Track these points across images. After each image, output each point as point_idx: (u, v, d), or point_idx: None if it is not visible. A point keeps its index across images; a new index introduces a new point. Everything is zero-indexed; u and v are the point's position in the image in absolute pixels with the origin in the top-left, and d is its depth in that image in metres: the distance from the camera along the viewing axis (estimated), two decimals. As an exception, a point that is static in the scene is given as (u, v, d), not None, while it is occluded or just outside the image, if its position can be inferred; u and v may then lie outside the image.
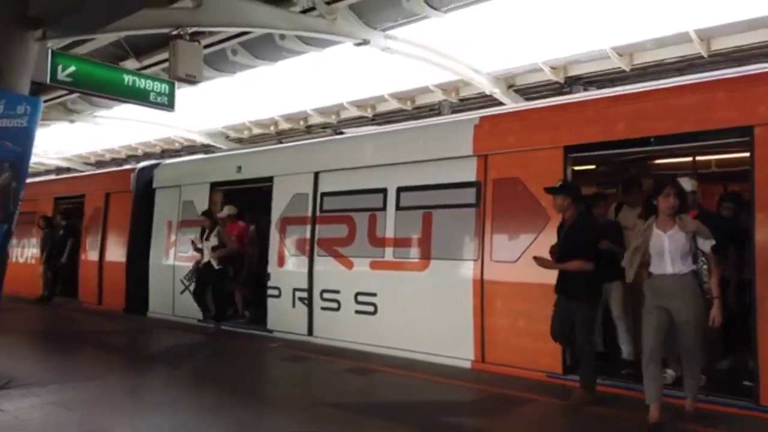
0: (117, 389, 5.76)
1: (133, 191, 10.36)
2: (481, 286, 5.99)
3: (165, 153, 17.97)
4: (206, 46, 8.54)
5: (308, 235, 7.66)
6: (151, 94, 6.64)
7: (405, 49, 9.47)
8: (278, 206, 8.09)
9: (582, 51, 9.38)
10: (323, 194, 7.63)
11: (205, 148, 17.09)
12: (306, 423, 4.47)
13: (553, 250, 5.10)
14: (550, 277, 5.06)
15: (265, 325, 8.09)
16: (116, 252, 10.48)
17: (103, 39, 8.71)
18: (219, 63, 10.21)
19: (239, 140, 16.98)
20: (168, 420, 4.63)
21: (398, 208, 6.85)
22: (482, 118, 6.49)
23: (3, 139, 5.31)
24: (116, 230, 10.57)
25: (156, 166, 10.61)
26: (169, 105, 6.83)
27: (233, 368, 6.53)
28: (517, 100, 10.63)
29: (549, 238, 5.35)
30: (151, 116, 13.14)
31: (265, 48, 9.77)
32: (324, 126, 14.24)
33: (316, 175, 7.69)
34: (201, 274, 8.34)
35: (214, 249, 8.03)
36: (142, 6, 5.41)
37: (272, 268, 8.06)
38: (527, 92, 10.90)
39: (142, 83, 6.53)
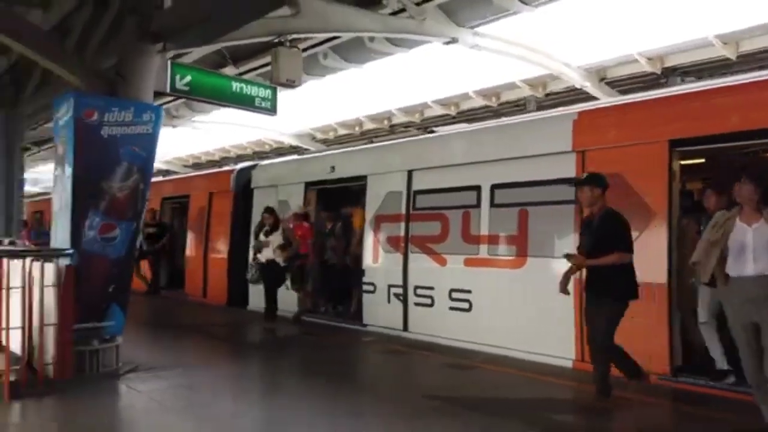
0: (232, 375, 6.20)
1: (233, 191, 11.00)
2: (581, 284, 5.89)
3: (255, 155, 18.84)
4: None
5: (402, 233, 7.84)
6: (256, 99, 7.07)
7: (493, 45, 9.43)
8: (372, 204, 8.34)
9: (681, 40, 8.96)
10: (416, 192, 7.78)
11: (294, 150, 17.79)
12: (415, 414, 4.62)
13: (582, 251, 4.82)
14: (654, 275, 4.92)
15: (359, 320, 8.36)
16: (218, 248, 11.16)
17: (206, 48, 9.32)
18: (310, 67, 10.58)
19: (324, 141, 17.52)
20: (287, 402, 4.96)
21: (492, 205, 6.87)
22: (581, 113, 6.39)
23: (132, 145, 5.84)
24: (218, 228, 11.25)
25: (254, 167, 11.19)
26: (271, 109, 7.23)
27: (335, 359, 6.84)
28: (609, 94, 10.31)
29: (654, 235, 5.20)
30: (245, 119, 13.87)
31: (354, 51, 10.04)
32: (407, 125, 14.42)
33: (410, 173, 7.85)
34: (268, 272, 8.43)
35: (282, 248, 8.21)
36: (256, 17, 5.76)
37: (367, 264, 8.31)
38: (620, 85, 10.53)
39: (247, 89, 6.96)
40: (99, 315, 5.62)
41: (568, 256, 4.76)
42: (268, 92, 7.14)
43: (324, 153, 10.59)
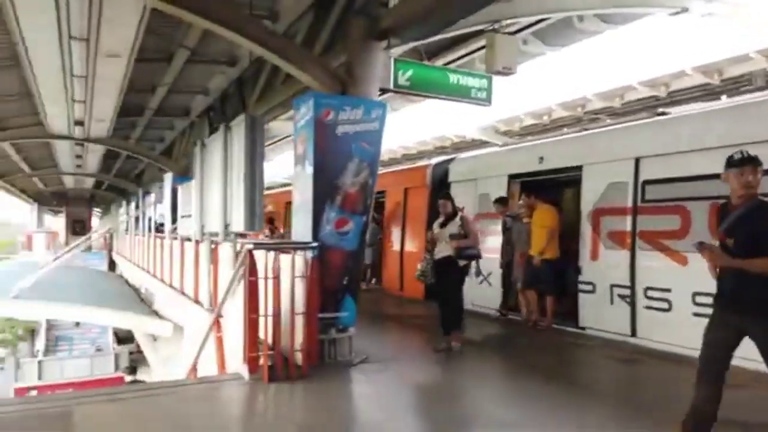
0: (456, 372, 6.05)
1: (429, 186, 11.01)
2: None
3: (436, 150, 18.92)
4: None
5: (628, 227, 7.09)
6: (472, 90, 6.87)
7: (730, 11, 8.16)
8: (589, 197, 7.68)
9: None
10: (646, 182, 6.97)
11: (475, 144, 17.53)
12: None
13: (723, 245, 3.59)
14: None
15: (574, 321, 7.77)
16: (415, 243, 11.27)
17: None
18: (509, 55, 10.20)
19: (506, 133, 16.98)
20: (528, 405, 4.66)
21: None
22: None
23: (362, 141, 5.99)
24: (414, 223, 11.36)
25: (451, 160, 11.09)
26: (486, 99, 6.99)
27: (564, 364, 6.38)
28: None
29: None
30: (429, 114, 13.89)
31: (558, 33, 9.39)
32: (603, 111, 13.32)
33: (637, 161, 7.06)
34: (442, 271, 6.87)
35: (452, 237, 6.64)
36: (482, 6, 5.54)
37: (584, 262, 7.68)
38: None
39: (464, 80, 6.79)
40: (336, 306, 5.85)
41: (701, 246, 3.61)
42: (483, 82, 6.90)
43: (530, 143, 10.06)
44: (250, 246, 5.13)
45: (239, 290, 5.78)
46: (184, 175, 14.50)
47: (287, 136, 14.41)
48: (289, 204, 15.63)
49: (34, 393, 16.99)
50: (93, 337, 24.36)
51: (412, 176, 11.97)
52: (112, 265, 29.15)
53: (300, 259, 5.36)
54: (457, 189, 10.44)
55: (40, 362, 19.91)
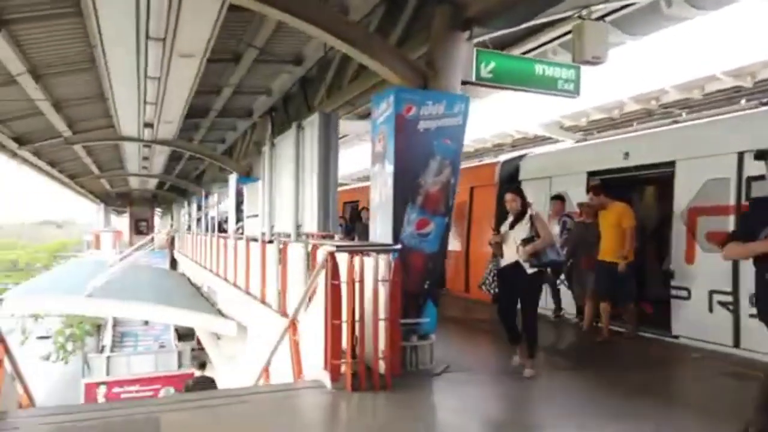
0: (544, 386, 5.61)
1: (497, 184, 10.58)
2: None
3: (495, 148, 18.39)
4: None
5: (731, 228, 6.49)
6: (559, 81, 6.44)
7: None
8: (684, 194, 7.10)
9: None
10: (752, 179, 6.36)
11: (537, 140, 16.95)
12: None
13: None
14: None
15: (666, 329, 7.21)
16: (481, 244, 10.86)
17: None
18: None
19: (572, 129, 16.33)
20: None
21: None
22: None
23: (444, 138, 5.68)
24: (481, 223, 10.95)
25: (521, 157, 10.64)
26: (574, 91, 6.54)
27: (668, 379, 5.88)
28: None
29: None
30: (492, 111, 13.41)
31: (643, 20, 8.78)
32: (678, 104, 12.58)
33: (741, 155, 6.45)
34: (510, 281, 5.67)
35: (525, 242, 5.47)
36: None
37: (677, 265, 7.11)
38: None
39: (550, 71, 6.37)
40: (417, 311, 5.58)
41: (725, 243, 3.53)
42: (571, 72, 6.46)
43: (613, 138, 9.49)
44: (332, 248, 4.90)
45: (317, 293, 5.59)
46: (246, 175, 14.61)
47: (344, 136, 14.24)
48: (346, 204, 15.46)
49: (103, 388, 17.57)
50: (156, 334, 25.08)
51: (479, 174, 11.55)
52: (173, 263, 29.98)
53: (382, 262, 5.11)
54: (528, 187, 9.98)
55: (108, 358, 20.57)
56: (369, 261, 5.13)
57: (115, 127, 13.34)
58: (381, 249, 5.15)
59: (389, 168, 5.58)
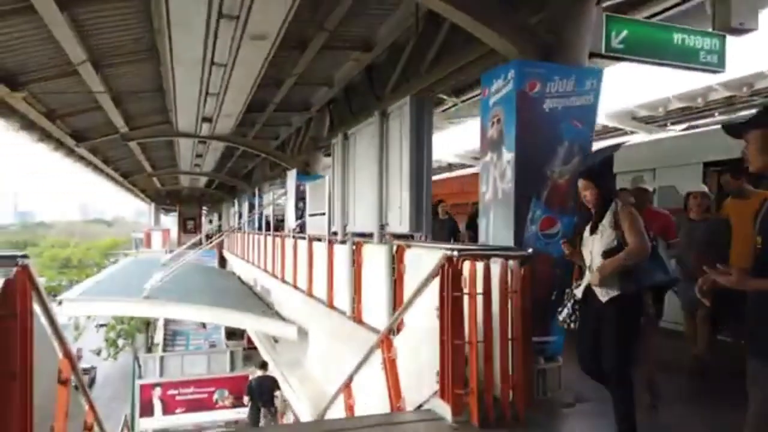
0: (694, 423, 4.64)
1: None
2: None
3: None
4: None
5: None
6: (701, 53, 5.42)
7: None
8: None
9: None
10: None
11: (612, 132, 15.80)
12: None
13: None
14: None
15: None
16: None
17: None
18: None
19: (647, 119, 15.15)
20: None
21: None
22: None
23: (573, 119, 4.77)
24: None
25: (615, 147, 9.53)
26: (719, 65, 5.50)
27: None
28: None
29: None
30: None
31: None
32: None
33: None
34: (585, 318, 3.84)
35: (606, 255, 3.63)
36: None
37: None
38: None
39: (691, 41, 5.35)
40: (545, 327, 4.67)
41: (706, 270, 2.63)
42: (715, 43, 5.42)
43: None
44: (454, 253, 4.05)
45: (420, 304, 4.76)
46: (304, 172, 13.93)
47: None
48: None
49: (158, 390, 17.26)
50: (207, 333, 24.87)
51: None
52: (222, 261, 29.82)
53: (512, 269, 4.23)
54: (626, 181, 8.92)
55: (161, 357, 20.37)
56: (498, 269, 4.25)
57: (171, 122, 12.88)
58: (511, 254, 4.26)
59: (508, 156, 4.69)
